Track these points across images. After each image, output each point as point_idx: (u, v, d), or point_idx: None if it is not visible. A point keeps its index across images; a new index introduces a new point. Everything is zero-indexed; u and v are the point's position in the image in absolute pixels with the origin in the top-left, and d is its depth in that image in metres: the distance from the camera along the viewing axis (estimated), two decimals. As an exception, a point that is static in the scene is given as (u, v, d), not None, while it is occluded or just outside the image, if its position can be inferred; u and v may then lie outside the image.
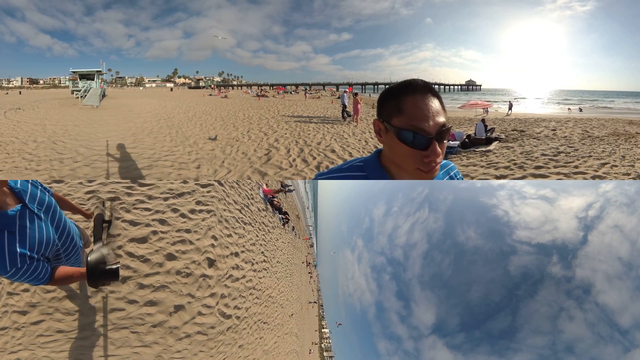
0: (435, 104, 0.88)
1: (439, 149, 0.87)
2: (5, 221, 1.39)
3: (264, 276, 5.30)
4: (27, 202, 1.47)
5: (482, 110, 23.03)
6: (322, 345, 43.33)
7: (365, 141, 7.80)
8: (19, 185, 1.48)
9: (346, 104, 12.39)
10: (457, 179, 1.10)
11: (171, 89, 50.59)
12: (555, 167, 6.62)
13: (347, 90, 14.75)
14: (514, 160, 7.14)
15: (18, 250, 1.40)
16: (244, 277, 4.00)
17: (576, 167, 6.68)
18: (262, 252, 5.60)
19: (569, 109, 30.49)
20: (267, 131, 9.00)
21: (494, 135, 10.04)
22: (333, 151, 6.70)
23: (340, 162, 6.04)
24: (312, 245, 50.39)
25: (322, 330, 47.47)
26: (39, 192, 1.59)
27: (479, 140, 9.39)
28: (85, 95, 22.10)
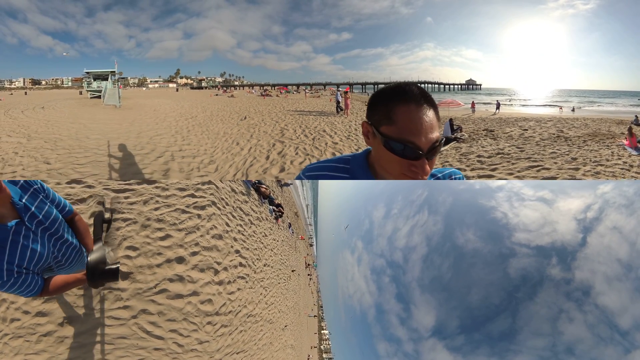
0: (430, 116, 0.87)
1: (428, 168, 0.88)
2: None
3: (239, 288, 4.42)
4: (25, 219, 1.58)
5: (471, 109, 26.20)
6: (322, 347, 45.65)
7: (349, 126, 11.31)
8: (23, 201, 1.59)
9: (340, 100, 15.90)
10: (457, 178, 1.10)
11: (177, 90, 54.44)
12: (473, 169, 7.10)
13: (340, 90, 18.25)
14: (447, 162, 7.67)
15: (4, 265, 1.51)
16: (194, 293, 3.37)
17: (495, 169, 7.10)
18: (238, 252, 4.62)
19: (561, 108, 31.67)
20: (277, 120, 12.61)
21: (459, 134, 10.91)
22: (324, 131, 10.23)
23: (328, 137, 9.39)
24: (311, 245, 52.97)
25: (322, 331, 49.75)
26: (46, 207, 1.69)
27: (436, 141, 10.69)
28: (105, 96, 24.38)
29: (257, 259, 5.81)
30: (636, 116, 17.04)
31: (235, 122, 12.67)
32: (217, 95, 34.97)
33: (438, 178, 1.06)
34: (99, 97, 28.09)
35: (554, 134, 11.35)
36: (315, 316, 35.49)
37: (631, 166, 7.60)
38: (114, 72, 32.01)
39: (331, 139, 9.20)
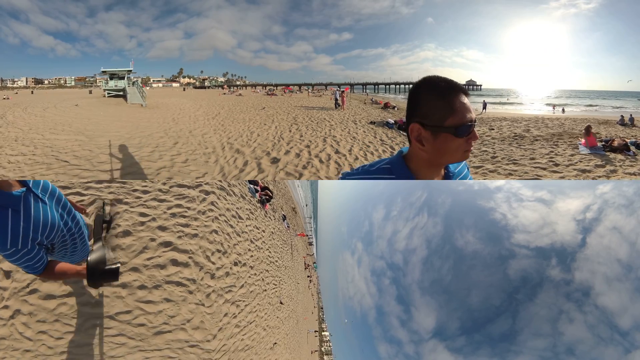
0: (469, 100, 1.24)
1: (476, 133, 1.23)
2: (10, 200, 1.59)
3: (161, 311, 3.43)
4: (31, 187, 1.71)
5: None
6: (323, 349, 48.67)
7: (343, 116, 16.08)
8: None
9: (337, 98, 20.65)
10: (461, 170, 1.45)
11: (184, 89, 58.95)
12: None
13: (339, 89, 23.05)
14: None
15: (21, 231, 1.60)
16: (70, 294, 3.37)
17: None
18: (169, 244, 3.66)
19: (554, 107, 34.26)
20: (288, 112, 17.35)
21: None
22: (324, 119, 14.89)
23: (327, 123, 13.86)
24: (311, 244, 55.85)
25: (323, 333, 52.73)
26: (41, 180, 1.82)
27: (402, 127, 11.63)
28: (128, 95, 26.90)
29: (220, 251, 4.30)
30: (622, 116, 17.48)
31: (255, 112, 17.30)
32: (224, 94, 39.52)
33: (451, 173, 1.36)
34: (116, 96, 31.28)
35: (514, 133, 11.82)
36: (315, 331, 34.18)
37: (556, 165, 7.82)
38: (131, 71, 33.92)
39: (329, 123, 13.88)
